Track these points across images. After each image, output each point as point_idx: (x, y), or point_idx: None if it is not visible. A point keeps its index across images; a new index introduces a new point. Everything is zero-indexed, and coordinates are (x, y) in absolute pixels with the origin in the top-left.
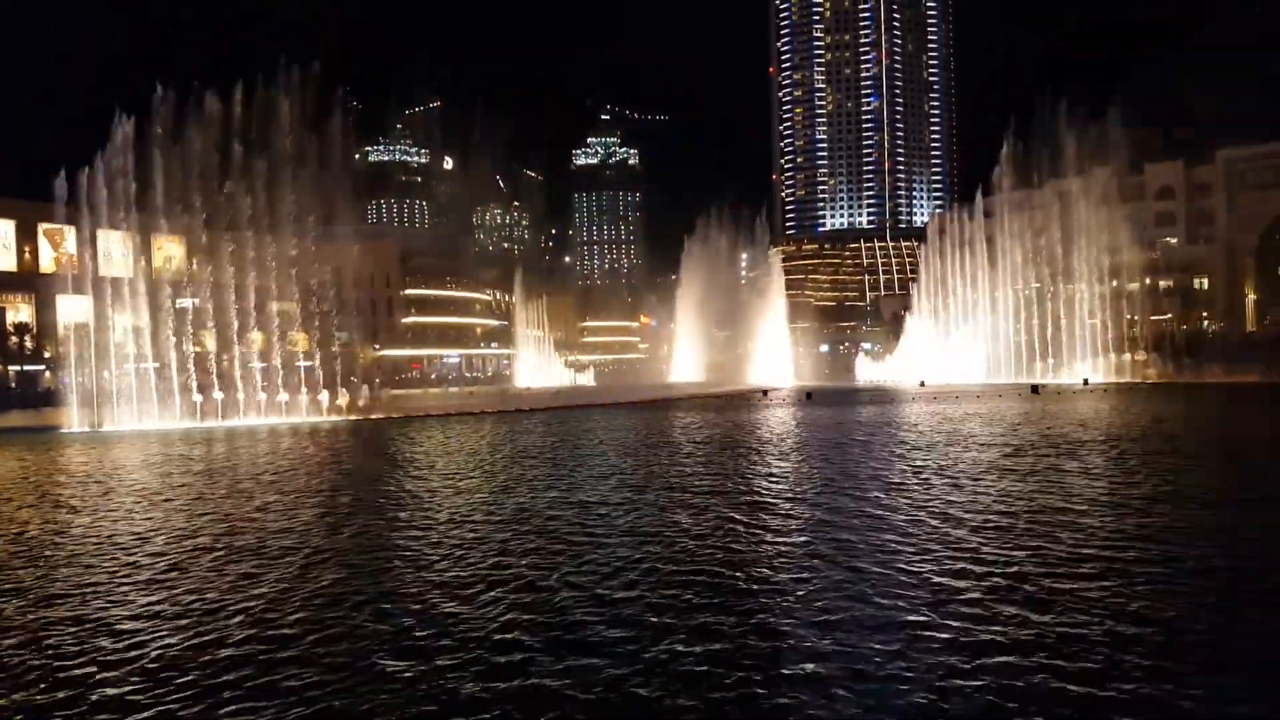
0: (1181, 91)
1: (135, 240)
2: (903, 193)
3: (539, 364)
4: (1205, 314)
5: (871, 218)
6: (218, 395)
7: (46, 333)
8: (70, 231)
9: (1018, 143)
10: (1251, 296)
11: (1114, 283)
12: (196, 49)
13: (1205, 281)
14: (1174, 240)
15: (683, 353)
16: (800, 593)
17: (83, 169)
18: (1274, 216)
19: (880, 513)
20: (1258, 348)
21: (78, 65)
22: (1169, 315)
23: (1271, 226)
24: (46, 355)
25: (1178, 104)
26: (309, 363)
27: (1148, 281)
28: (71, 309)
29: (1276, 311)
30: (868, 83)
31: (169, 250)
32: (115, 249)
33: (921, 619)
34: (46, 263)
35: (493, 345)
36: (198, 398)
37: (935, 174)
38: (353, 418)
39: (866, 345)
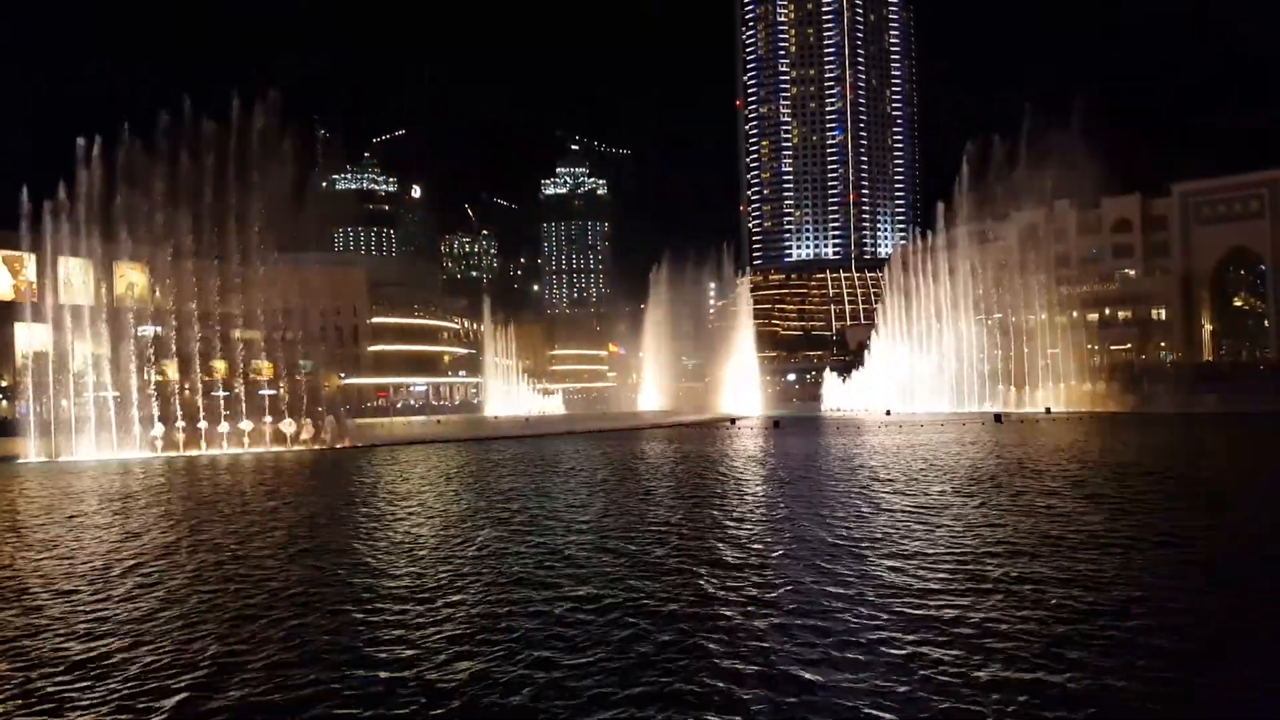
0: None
1: (97, 267)
2: (867, 224)
3: (508, 392)
4: (1163, 344)
5: (837, 249)
6: (180, 425)
7: (3, 361)
8: (30, 259)
9: (974, 174)
10: (1208, 327)
11: (1073, 313)
12: (160, 71)
13: (1163, 312)
14: (1132, 272)
15: (651, 381)
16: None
17: (45, 194)
18: (1227, 249)
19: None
20: (1211, 378)
21: (39, 89)
22: (1128, 345)
23: (1225, 259)
24: (3, 384)
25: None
26: (272, 390)
27: (1106, 312)
28: (29, 337)
29: (1233, 342)
30: (832, 116)
31: (131, 277)
32: (76, 276)
33: None
34: (5, 290)
35: (460, 373)
36: (159, 428)
37: (899, 206)
38: (317, 447)
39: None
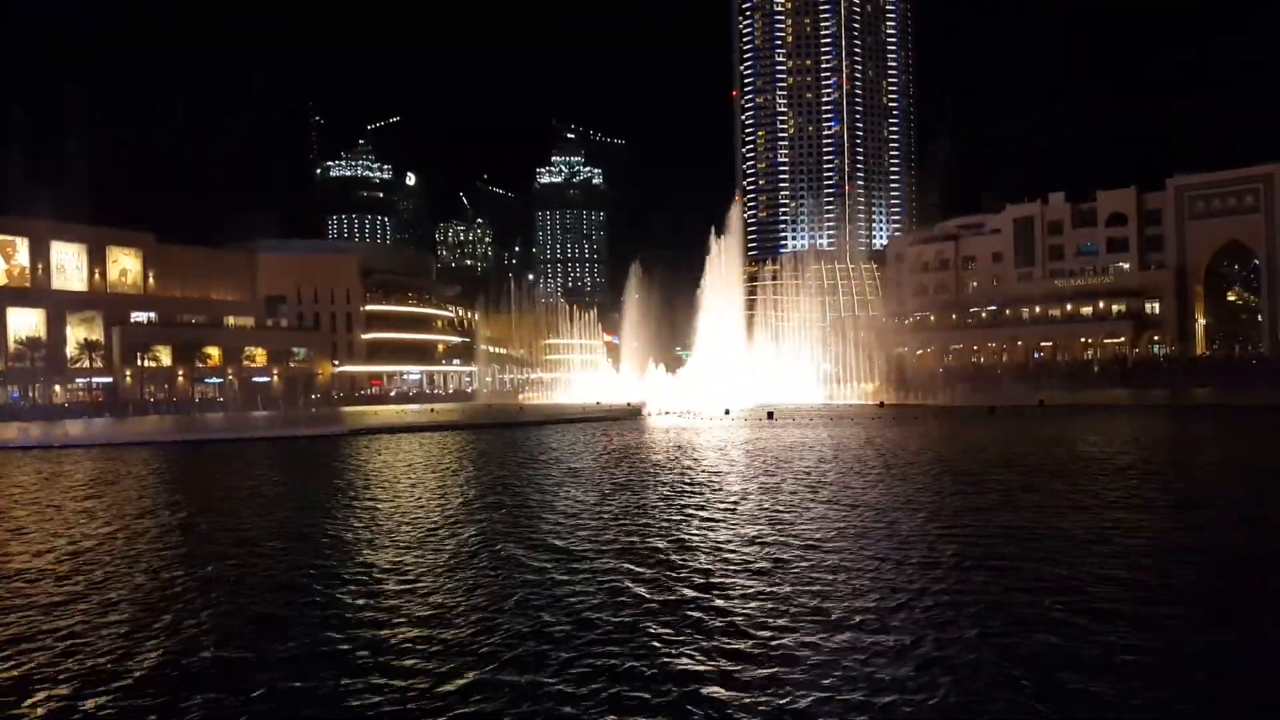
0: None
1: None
2: (862, 216)
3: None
4: (1157, 337)
5: (832, 240)
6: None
7: None
8: (23, 243)
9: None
10: (1201, 321)
11: (1068, 307)
12: (155, 61)
13: (1157, 306)
14: (1126, 265)
15: (629, 374)
16: None
17: (34, 180)
18: (1221, 243)
19: None
20: (1205, 370)
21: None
22: (1121, 339)
23: (1219, 253)
24: None
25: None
26: (265, 377)
27: (1100, 305)
28: (21, 322)
29: (1226, 336)
30: (828, 107)
31: (124, 263)
32: (69, 261)
33: None
34: None
35: (454, 362)
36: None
37: (894, 197)
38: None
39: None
